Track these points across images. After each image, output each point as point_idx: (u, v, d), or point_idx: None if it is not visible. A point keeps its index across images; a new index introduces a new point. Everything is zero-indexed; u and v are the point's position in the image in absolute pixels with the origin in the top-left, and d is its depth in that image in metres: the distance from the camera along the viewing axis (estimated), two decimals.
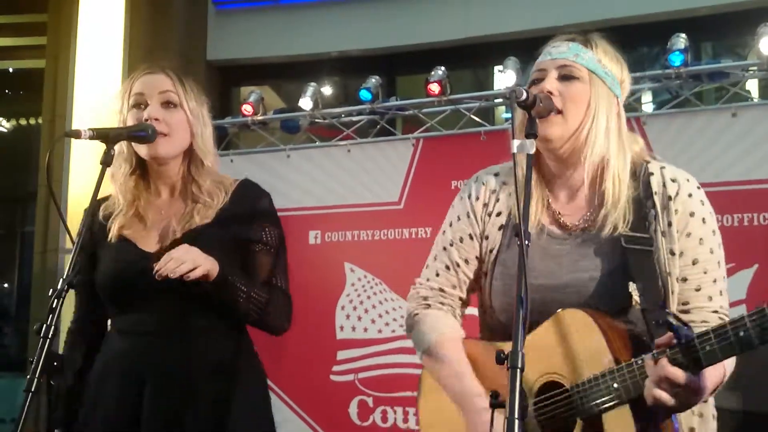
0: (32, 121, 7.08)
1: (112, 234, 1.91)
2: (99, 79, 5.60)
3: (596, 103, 1.62)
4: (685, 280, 1.58)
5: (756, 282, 3.66)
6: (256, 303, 1.85)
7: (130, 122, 1.90)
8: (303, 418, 4.43)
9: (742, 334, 1.33)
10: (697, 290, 1.58)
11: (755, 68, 4.03)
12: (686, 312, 1.58)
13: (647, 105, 4.67)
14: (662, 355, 1.39)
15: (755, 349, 1.33)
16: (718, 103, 4.11)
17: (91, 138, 1.70)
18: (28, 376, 1.51)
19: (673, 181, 1.62)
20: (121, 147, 1.91)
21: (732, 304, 3.61)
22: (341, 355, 4.43)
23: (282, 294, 1.94)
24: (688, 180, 1.64)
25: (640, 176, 1.64)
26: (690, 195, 1.61)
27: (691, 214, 1.59)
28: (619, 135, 1.64)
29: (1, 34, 6.63)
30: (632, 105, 4.24)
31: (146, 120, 1.87)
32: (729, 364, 1.52)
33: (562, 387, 1.53)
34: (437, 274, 1.79)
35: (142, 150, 1.89)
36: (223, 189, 1.94)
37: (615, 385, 1.45)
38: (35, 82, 6.16)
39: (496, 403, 1.50)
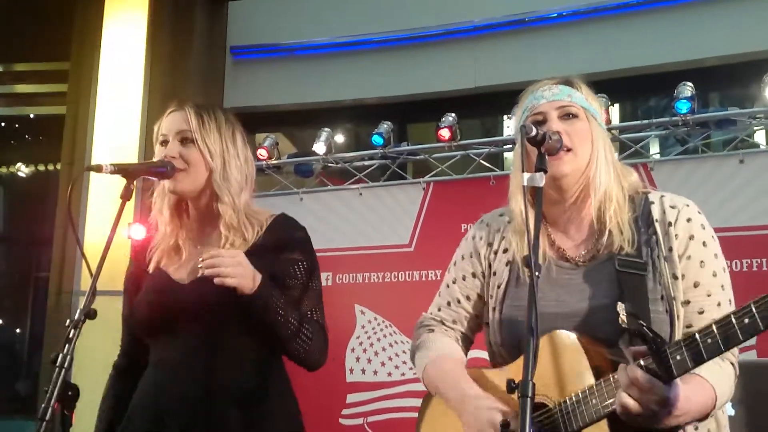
0: (51, 167, 7.17)
1: (152, 265, 1.96)
2: (118, 125, 5.71)
3: (597, 138, 1.67)
4: (687, 303, 1.58)
5: None
6: (298, 331, 1.83)
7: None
8: None
9: (709, 341, 1.33)
10: (701, 313, 1.58)
11: (762, 116, 4.08)
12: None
13: (656, 154, 4.72)
14: (635, 364, 1.39)
15: (721, 353, 1.33)
16: (725, 150, 4.16)
17: (113, 172, 1.73)
18: (43, 405, 1.51)
19: (673, 207, 1.64)
20: (163, 183, 1.96)
21: (742, 350, 3.62)
22: (351, 398, 4.42)
23: (320, 327, 1.91)
24: (687, 205, 1.66)
25: (639, 205, 1.67)
26: (689, 219, 1.62)
27: (691, 237, 1.61)
28: (615, 167, 1.69)
29: (23, 81, 6.79)
30: (639, 151, 4.29)
31: (165, 158, 1.91)
32: (723, 391, 1.50)
33: (547, 407, 1.55)
34: (439, 309, 1.86)
35: (167, 185, 1.94)
36: (257, 223, 1.94)
37: (593, 400, 1.46)
38: (55, 128, 6.27)
39: (505, 431, 1.52)
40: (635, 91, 5.74)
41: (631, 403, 1.37)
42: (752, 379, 2.36)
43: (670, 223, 1.62)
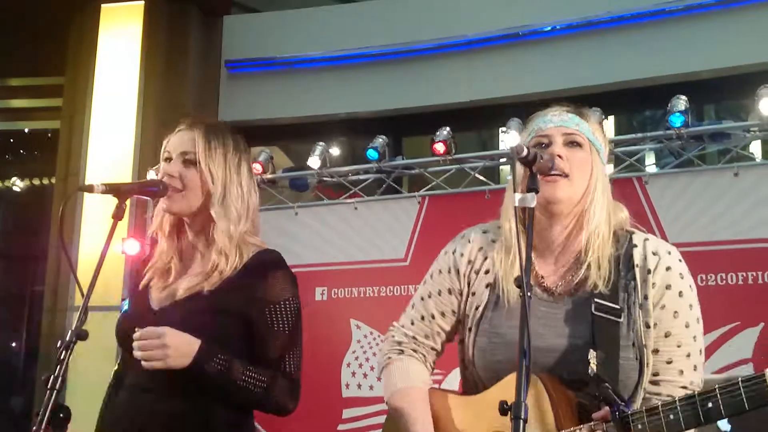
0: (45, 181, 7.17)
1: (143, 282, 1.94)
2: (113, 139, 5.72)
3: (596, 171, 1.66)
4: (656, 351, 1.60)
5: (762, 341, 3.65)
6: (250, 386, 1.79)
7: (159, 175, 1.94)
8: None
9: (671, 417, 1.37)
10: (668, 363, 1.59)
11: (756, 129, 4.09)
12: (655, 384, 1.60)
13: (650, 167, 4.73)
14: (598, 428, 1.43)
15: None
16: (720, 163, 4.17)
17: (104, 192, 1.73)
18: (34, 428, 1.51)
19: (654, 254, 1.63)
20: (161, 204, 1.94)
21: (738, 363, 3.63)
22: (347, 413, 4.39)
23: (286, 379, 1.84)
24: (669, 253, 1.65)
25: (623, 244, 1.66)
26: (668, 268, 1.62)
27: (668, 287, 1.60)
28: (609, 203, 1.68)
29: (18, 95, 6.81)
30: (634, 165, 4.29)
31: (164, 176, 1.90)
32: None
33: None
34: (412, 323, 1.80)
35: (162, 204, 1.92)
36: (243, 255, 1.88)
37: None
38: (50, 142, 6.28)
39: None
40: (629, 104, 5.76)
41: None
42: None
43: (649, 271, 1.61)
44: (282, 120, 6.17)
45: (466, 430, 1.65)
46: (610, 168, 4.96)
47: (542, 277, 1.68)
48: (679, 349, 1.59)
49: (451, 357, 1.85)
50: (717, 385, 1.34)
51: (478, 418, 1.63)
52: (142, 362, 1.71)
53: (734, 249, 3.83)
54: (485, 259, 1.74)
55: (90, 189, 1.73)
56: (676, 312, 1.60)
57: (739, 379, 1.32)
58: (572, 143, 1.65)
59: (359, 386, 4.41)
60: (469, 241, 1.78)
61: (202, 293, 1.83)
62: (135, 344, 1.72)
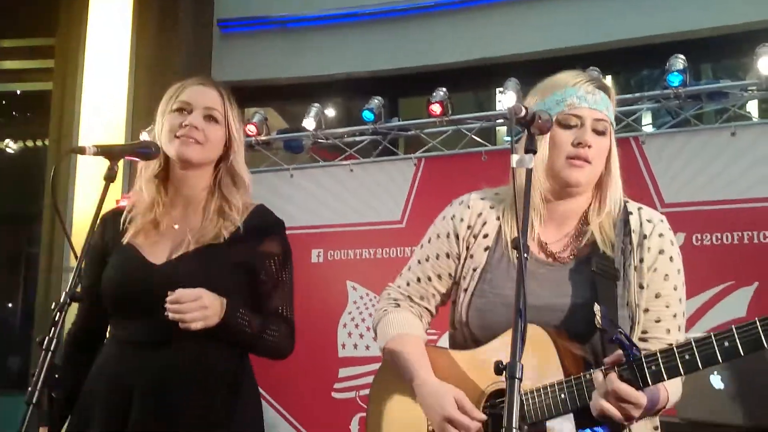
0: (39, 143, 7.14)
1: (126, 237, 1.94)
2: (105, 99, 5.67)
3: (613, 152, 1.74)
4: (647, 311, 1.68)
5: (756, 300, 3.67)
6: (264, 338, 1.89)
7: (167, 125, 1.93)
8: None
9: (687, 357, 1.44)
10: (657, 321, 1.68)
11: (754, 88, 4.06)
12: (644, 340, 1.68)
13: (647, 126, 4.71)
14: (611, 370, 1.48)
15: (698, 371, 1.44)
16: (717, 123, 4.15)
17: (96, 154, 1.72)
18: (29, 388, 1.53)
19: (649, 221, 1.73)
20: (143, 163, 1.96)
21: (732, 321, 3.63)
22: (343, 372, 4.44)
23: (286, 324, 1.96)
24: (662, 221, 1.74)
25: (618, 213, 1.74)
26: (661, 235, 1.71)
27: (661, 252, 1.70)
28: (619, 177, 1.76)
29: (10, 57, 6.72)
30: (631, 125, 4.27)
31: (185, 125, 1.90)
32: (674, 391, 1.61)
33: None
34: (408, 284, 1.87)
35: (174, 150, 1.92)
36: (241, 211, 1.96)
37: (562, 396, 1.55)
38: (42, 104, 6.22)
39: (493, 412, 1.54)
40: (627, 64, 5.71)
41: (611, 409, 1.46)
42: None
43: (645, 236, 1.71)
44: (276, 81, 6.11)
45: (467, 384, 1.68)
46: (609, 102, 4.87)
47: (546, 243, 1.74)
48: (668, 309, 1.68)
49: (446, 318, 1.88)
50: (734, 326, 1.40)
51: (478, 371, 1.67)
52: (180, 324, 1.73)
53: (730, 209, 3.83)
54: (484, 224, 1.80)
55: (82, 151, 1.72)
56: (666, 275, 1.69)
57: (756, 319, 1.39)
58: (599, 132, 1.69)
59: (355, 346, 4.45)
60: (468, 207, 1.83)
61: (213, 245, 1.89)
62: (172, 307, 1.73)
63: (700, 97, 4.14)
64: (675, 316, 1.68)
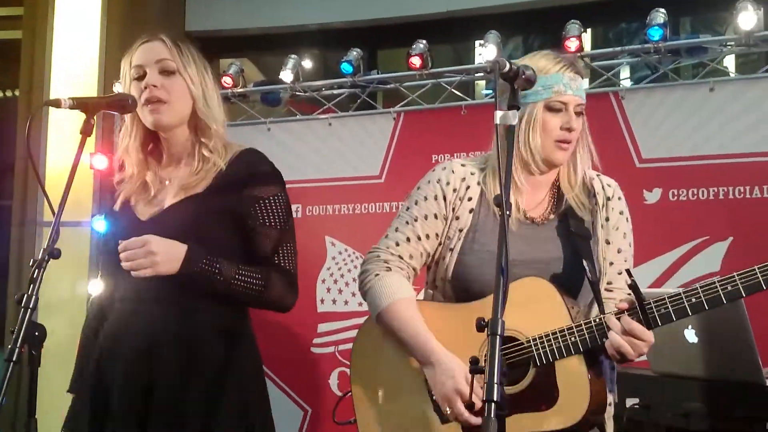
0: (9, 94, 6.97)
1: (117, 204, 1.95)
2: (77, 50, 5.54)
3: (584, 131, 1.92)
4: (611, 264, 1.91)
5: (730, 255, 3.73)
6: (245, 285, 1.83)
7: (134, 95, 1.89)
8: (284, 390, 4.48)
9: (694, 300, 1.65)
10: (619, 273, 1.90)
11: (733, 43, 4.06)
12: (609, 290, 1.90)
13: (626, 80, 4.70)
14: (622, 314, 1.69)
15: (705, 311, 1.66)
16: (695, 78, 4.15)
17: (71, 107, 1.69)
18: (9, 346, 1.52)
19: (609, 185, 1.96)
20: (128, 121, 1.93)
21: (706, 276, 3.71)
22: (322, 327, 4.47)
23: (279, 273, 1.90)
24: (617, 186, 1.98)
25: (585, 179, 1.96)
26: (620, 198, 1.96)
27: (621, 212, 1.95)
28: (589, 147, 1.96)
29: None
30: (611, 80, 4.27)
31: (145, 88, 1.87)
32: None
33: (516, 341, 1.74)
34: (398, 244, 1.93)
35: (147, 120, 1.89)
36: (227, 154, 1.92)
37: (573, 339, 1.72)
38: (12, 53, 6.05)
39: (475, 368, 1.55)
40: (607, 17, 5.66)
41: (626, 347, 1.68)
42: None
43: (608, 198, 1.94)
44: (252, 30, 5.97)
45: (460, 338, 1.76)
46: (585, 83, 4.92)
47: (525, 211, 1.90)
48: (626, 263, 1.92)
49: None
50: (735, 273, 1.62)
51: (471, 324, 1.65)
52: (132, 272, 1.73)
53: (707, 164, 3.87)
54: (468, 188, 1.92)
55: (57, 104, 1.69)
56: (625, 234, 1.94)
57: (756, 267, 1.61)
58: (578, 113, 1.87)
59: (334, 301, 4.47)
60: (453, 172, 1.94)
61: (194, 195, 1.86)
62: (121, 255, 1.73)
63: (679, 52, 4.13)
64: (628, 268, 1.86)
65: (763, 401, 2.29)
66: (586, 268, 1.81)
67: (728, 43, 4.09)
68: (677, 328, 2.39)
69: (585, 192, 1.93)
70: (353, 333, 4.41)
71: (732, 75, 4.36)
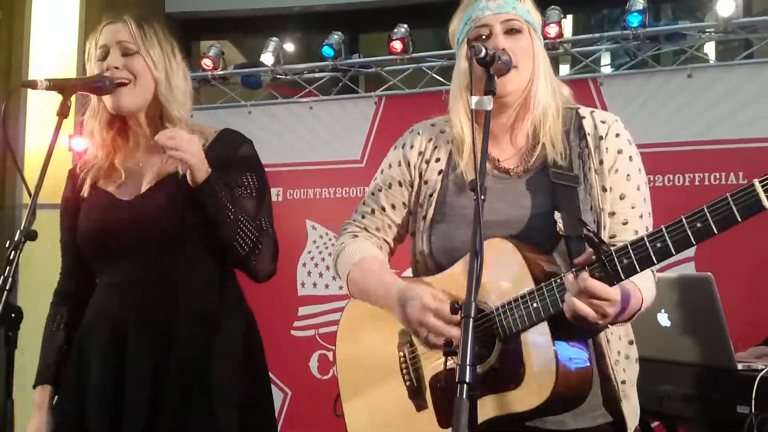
0: None
1: (85, 188, 1.90)
2: (55, 30, 5.47)
3: (538, 54, 1.68)
4: (613, 214, 1.64)
5: (706, 241, 3.76)
6: (245, 233, 1.80)
7: (101, 71, 1.86)
8: None
9: (659, 245, 1.37)
10: (624, 224, 1.64)
11: (712, 30, 4.10)
12: (613, 245, 1.57)
13: (606, 67, 4.72)
14: (582, 270, 1.41)
15: (672, 256, 1.37)
16: (674, 65, 4.18)
17: (48, 89, 1.68)
18: None
19: (603, 122, 1.68)
20: (95, 103, 1.90)
21: (682, 261, 3.75)
22: (302, 311, 4.49)
23: (269, 237, 1.87)
24: (616, 120, 1.70)
25: (570, 119, 1.71)
26: (617, 135, 1.67)
27: (619, 152, 1.66)
28: (552, 81, 1.70)
29: None
30: (590, 66, 4.29)
31: (106, 70, 1.84)
32: (648, 295, 1.55)
33: (484, 312, 1.56)
34: (363, 217, 1.83)
35: (108, 103, 1.86)
36: (201, 137, 1.88)
37: (534, 305, 1.49)
38: None
39: (449, 350, 1.55)
40: (588, 3, 5.68)
41: (585, 308, 1.40)
42: (688, 292, 2.45)
43: (601, 137, 1.67)
44: (233, 12, 5.92)
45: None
46: (565, 69, 4.96)
47: (498, 160, 1.71)
48: (633, 210, 1.64)
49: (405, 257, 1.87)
50: (705, 205, 1.33)
51: (452, 292, 1.61)
52: (173, 152, 1.69)
53: (684, 151, 3.91)
54: (435, 148, 1.77)
55: (33, 85, 1.67)
56: (628, 175, 1.65)
57: (728, 194, 1.32)
58: (512, 30, 1.65)
59: (314, 285, 4.49)
60: (419, 134, 1.81)
61: (175, 174, 1.81)
62: (167, 133, 1.71)
63: (658, 39, 4.16)
64: (641, 216, 1.65)
65: (733, 385, 2.32)
66: (559, 221, 1.54)
67: (707, 30, 4.12)
68: (651, 312, 2.42)
69: (570, 135, 1.68)
70: (334, 316, 4.50)
71: (711, 61, 4.40)
